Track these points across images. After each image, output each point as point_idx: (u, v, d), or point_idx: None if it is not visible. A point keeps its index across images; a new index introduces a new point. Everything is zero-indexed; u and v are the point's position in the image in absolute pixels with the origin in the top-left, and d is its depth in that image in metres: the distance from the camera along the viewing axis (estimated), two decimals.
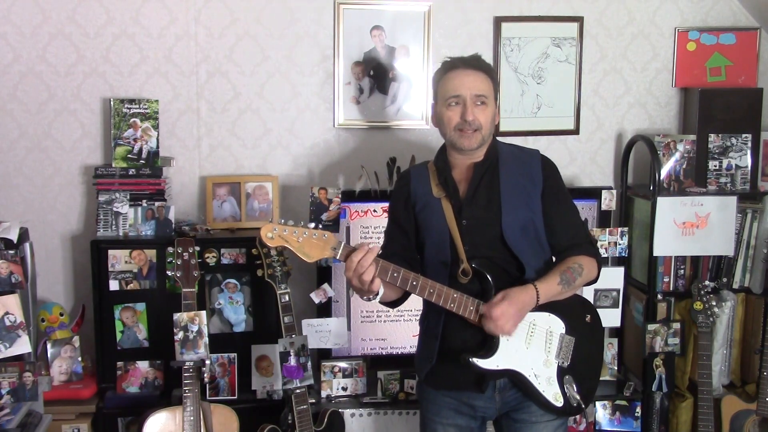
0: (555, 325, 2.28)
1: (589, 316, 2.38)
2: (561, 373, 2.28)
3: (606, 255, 3.28)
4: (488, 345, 2.21)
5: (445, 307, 2.16)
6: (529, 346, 2.24)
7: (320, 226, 2.10)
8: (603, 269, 2.38)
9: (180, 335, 2.80)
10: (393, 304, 2.36)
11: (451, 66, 2.30)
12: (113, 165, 3.18)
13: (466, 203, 2.27)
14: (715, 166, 3.40)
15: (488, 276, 2.20)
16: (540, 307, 2.23)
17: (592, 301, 3.04)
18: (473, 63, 2.29)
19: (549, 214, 2.30)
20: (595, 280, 2.36)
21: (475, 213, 2.26)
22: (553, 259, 2.37)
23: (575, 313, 2.34)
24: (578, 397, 2.28)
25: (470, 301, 2.17)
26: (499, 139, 2.40)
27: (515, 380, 2.25)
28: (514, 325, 2.17)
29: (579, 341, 2.30)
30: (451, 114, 2.25)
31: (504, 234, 2.23)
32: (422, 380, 2.38)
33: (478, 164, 2.31)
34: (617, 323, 3.38)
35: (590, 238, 2.42)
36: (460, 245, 2.23)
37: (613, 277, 3.30)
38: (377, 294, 2.12)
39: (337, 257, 2.06)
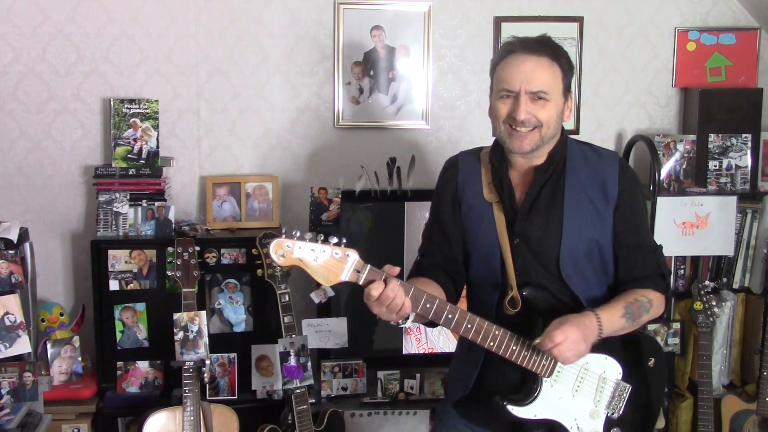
0: (611, 369, 1.95)
1: (653, 359, 2.02)
2: (609, 425, 1.95)
3: None
4: (528, 388, 1.90)
5: (483, 345, 1.84)
6: (576, 393, 1.93)
7: (344, 241, 1.70)
8: None
9: (180, 335, 2.80)
10: (431, 324, 1.91)
11: (509, 49, 1.90)
12: (113, 165, 3.18)
13: (521, 217, 1.92)
14: (715, 166, 3.40)
15: (541, 310, 1.89)
16: (596, 348, 1.89)
17: None
18: (533, 47, 1.88)
19: (617, 235, 1.95)
20: (660, 318, 2.07)
21: (529, 231, 1.92)
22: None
23: (637, 356, 2.00)
24: None
25: (514, 340, 1.85)
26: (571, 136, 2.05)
27: (554, 430, 1.95)
28: (577, 354, 1.81)
29: (636, 389, 1.97)
30: (501, 106, 1.89)
31: (560, 263, 1.90)
32: (451, 404, 2.08)
33: (539, 168, 1.94)
34: None
35: (663, 269, 2.00)
36: (510, 267, 1.91)
37: None
38: (407, 318, 1.77)
39: (361, 282, 1.71)
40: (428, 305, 1.76)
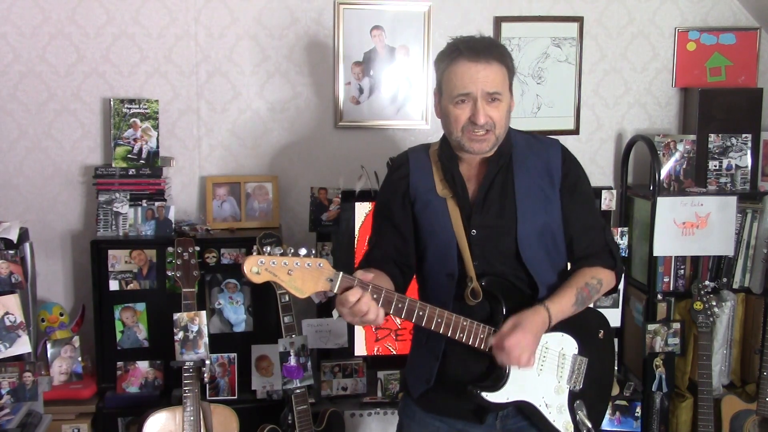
0: (568, 345, 2.05)
1: (602, 331, 2.14)
2: (572, 398, 2.05)
3: None
4: (497, 374, 1.96)
5: (454, 337, 1.90)
6: (540, 372, 2.01)
7: (312, 252, 1.76)
8: None
9: (180, 335, 2.80)
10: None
11: (458, 54, 1.93)
12: (113, 165, 3.18)
13: (476, 209, 1.99)
14: (715, 166, 3.40)
15: (501, 298, 1.96)
16: (552, 327, 2.00)
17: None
18: (482, 52, 1.92)
19: (565, 216, 2.05)
20: (613, 291, 2.14)
21: (486, 221, 1.99)
22: (568, 265, 2.12)
23: (588, 330, 2.10)
24: (589, 423, 2.03)
25: (481, 329, 1.92)
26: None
27: (523, 410, 2.02)
28: (532, 354, 1.91)
29: (591, 361, 2.07)
30: (459, 112, 1.94)
31: (519, 248, 1.98)
32: (414, 400, 2.12)
33: (490, 160, 2.01)
34: (617, 323, 3.38)
35: (610, 245, 2.10)
36: (468, 259, 1.97)
37: None
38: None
39: (335, 290, 1.76)
40: (400, 305, 1.82)
